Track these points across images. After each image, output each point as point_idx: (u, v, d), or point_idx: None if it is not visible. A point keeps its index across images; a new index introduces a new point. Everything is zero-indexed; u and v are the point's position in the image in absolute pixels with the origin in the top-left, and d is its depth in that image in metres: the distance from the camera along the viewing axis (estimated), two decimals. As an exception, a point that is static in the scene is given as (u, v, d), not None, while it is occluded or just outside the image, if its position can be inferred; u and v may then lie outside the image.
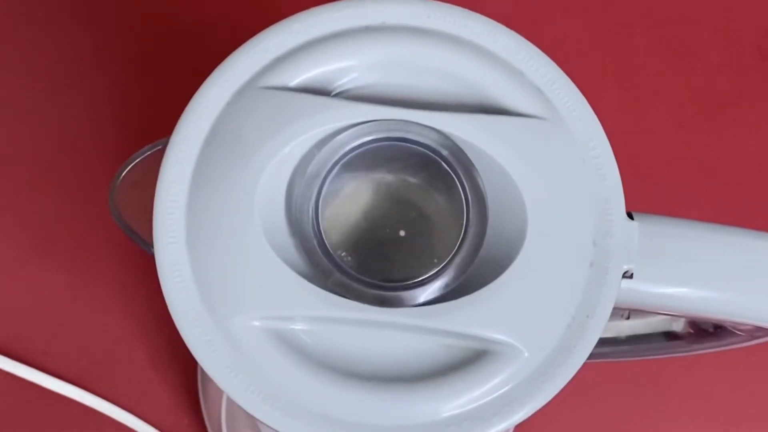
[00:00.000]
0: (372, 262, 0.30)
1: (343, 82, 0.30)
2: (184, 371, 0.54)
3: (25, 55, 0.57)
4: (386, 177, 0.31)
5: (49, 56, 0.57)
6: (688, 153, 0.58)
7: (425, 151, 0.30)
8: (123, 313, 0.54)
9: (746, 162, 0.58)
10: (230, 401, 0.49)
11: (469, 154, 0.30)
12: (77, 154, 0.55)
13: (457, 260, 0.30)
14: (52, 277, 0.54)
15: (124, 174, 0.34)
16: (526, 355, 0.29)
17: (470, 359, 0.29)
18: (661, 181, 0.58)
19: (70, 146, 0.55)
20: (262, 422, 0.29)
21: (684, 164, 0.58)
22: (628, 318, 0.42)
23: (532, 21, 0.59)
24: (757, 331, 0.35)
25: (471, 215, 0.30)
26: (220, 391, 0.49)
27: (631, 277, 0.31)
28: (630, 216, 0.31)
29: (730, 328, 0.37)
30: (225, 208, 0.29)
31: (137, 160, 0.33)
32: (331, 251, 0.30)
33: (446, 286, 0.29)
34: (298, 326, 0.29)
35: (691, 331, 0.40)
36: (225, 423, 0.50)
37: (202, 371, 0.50)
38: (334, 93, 0.30)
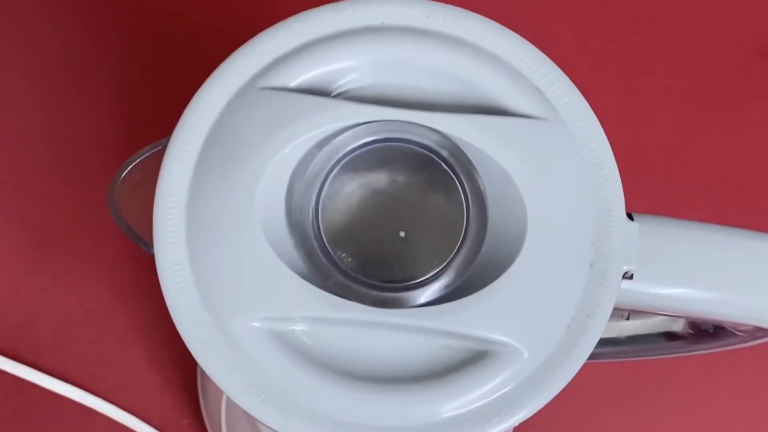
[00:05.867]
0: (372, 262, 0.30)
1: (343, 83, 0.30)
2: (184, 371, 0.54)
3: (25, 56, 0.57)
4: (386, 178, 0.31)
5: (49, 56, 0.57)
6: (688, 153, 0.58)
7: (425, 151, 0.30)
8: (123, 314, 0.54)
9: (746, 162, 0.58)
10: (230, 401, 0.49)
11: (469, 155, 0.30)
12: (78, 154, 0.55)
13: (457, 261, 0.30)
14: (52, 278, 0.54)
15: (124, 174, 0.34)
16: (526, 355, 0.29)
17: (470, 360, 0.29)
18: (661, 182, 0.58)
19: (71, 146, 0.55)
20: (261, 423, 0.29)
21: (684, 164, 0.58)
22: (628, 318, 0.42)
23: (532, 21, 0.59)
24: (758, 332, 0.35)
25: (471, 216, 0.30)
26: (220, 392, 0.49)
27: (631, 277, 0.31)
28: (630, 217, 0.31)
29: (730, 329, 0.37)
30: (225, 209, 0.29)
31: (137, 161, 0.33)
32: (331, 252, 0.30)
33: (446, 286, 0.29)
34: (297, 327, 0.29)
35: (691, 331, 0.40)
36: (225, 423, 0.50)
37: (202, 371, 0.50)
38: (333, 94, 0.30)
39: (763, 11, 0.61)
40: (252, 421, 0.49)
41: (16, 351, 0.53)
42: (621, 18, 0.60)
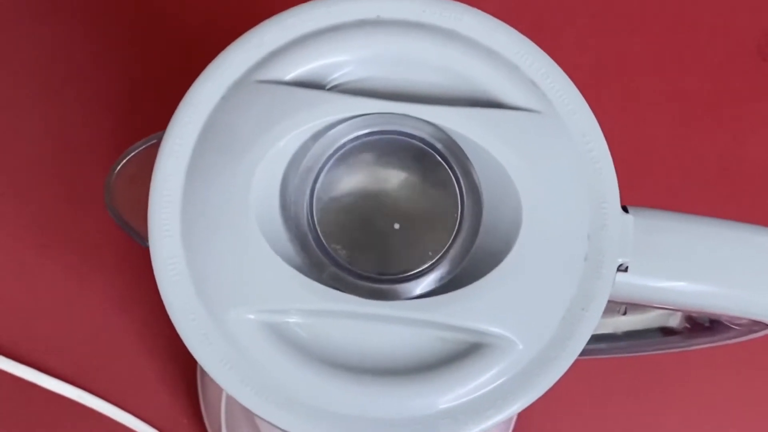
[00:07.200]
0: (367, 255, 0.30)
1: (338, 76, 0.31)
2: (183, 371, 0.54)
3: (22, 52, 0.57)
4: (381, 170, 0.31)
5: (45, 51, 0.57)
6: (687, 153, 0.58)
7: (420, 144, 0.30)
8: (123, 313, 0.54)
9: (745, 162, 0.58)
10: (230, 401, 0.49)
11: (463, 148, 0.30)
12: (74, 150, 0.55)
13: (452, 253, 0.30)
14: (51, 277, 0.54)
15: (119, 168, 0.34)
16: (521, 347, 0.29)
17: (465, 352, 0.29)
18: (660, 181, 0.58)
19: (67, 142, 0.56)
20: (258, 416, 0.29)
21: (683, 164, 0.58)
22: (624, 313, 0.41)
23: (530, 17, 0.59)
24: (754, 326, 0.35)
25: (465, 208, 0.30)
26: (220, 391, 0.49)
27: (626, 270, 0.31)
28: (625, 209, 0.31)
29: (726, 323, 0.37)
30: (220, 202, 0.29)
31: (132, 154, 0.33)
32: (325, 244, 0.30)
33: (441, 278, 0.29)
34: (293, 319, 0.29)
35: (688, 326, 0.40)
36: (225, 423, 0.50)
37: (202, 371, 0.50)
38: (328, 87, 0.31)
39: (763, 11, 0.61)
40: (252, 420, 0.49)
41: (16, 351, 0.53)
42: (621, 18, 0.60)
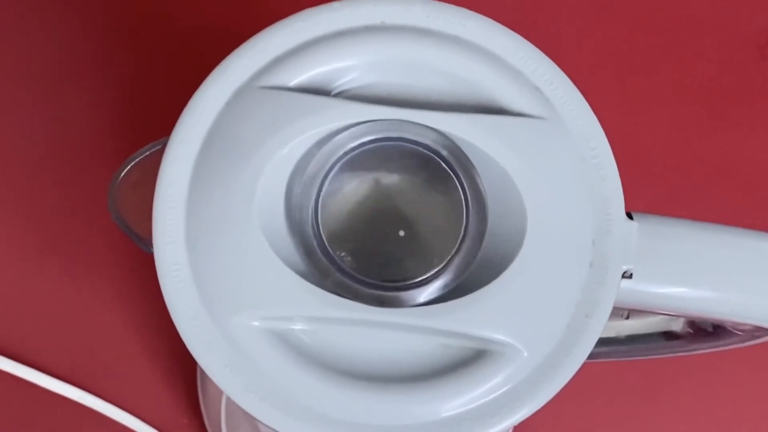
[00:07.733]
0: (371, 262, 0.30)
1: (343, 82, 0.30)
2: (183, 371, 0.54)
3: (24, 55, 0.57)
4: (386, 177, 0.31)
5: (48, 55, 0.57)
6: (687, 153, 0.58)
7: (424, 151, 0.30)
8: (123, 314, 0.54)
9: (746, 162, 0.58)
10: (230, 401, 0.49)
11: (468, 154, 0.30)
12: (77, 153, 0.55)
13: (457, 260, 0.30)
14: (52, 277, 0.54)
15: (123, 174, 0.34)
16: (526, 354, 0.29)
17: (469, 359, 0.29)
18: (661, 181, 0.57)
19: (70, 146, 0.55)
20: (261, 422, 0.29)
21: (684, 164, 0.58)
22: (627, 318, 0.41)
23: (532, 21, 0.59)
24: (757, 331, 0.35)
25: (470, 215, 0.30)
26: (220, 391, 0.49)
27: (630, 277, 0.31)
28: (629, 216, 0.31)
29: (730, 328, 0.37)
30: (224, 208, 0.29)
31: (137, 160, 0.33)
32: (330, 251, 0.30)
33: (446, 286, 0.29)
34: (297, 326, 0.29)
35: (691, 330, 0.40)
36: (224, 423, 0.50)
37: (202, 371, 0.50)
38: (333, 93, 0.30)
39: (763, 11, 0.61)
40: (252, 421, 0.49)
41: (16, 351, 0.53)
42: (621, 18, 0.60)
